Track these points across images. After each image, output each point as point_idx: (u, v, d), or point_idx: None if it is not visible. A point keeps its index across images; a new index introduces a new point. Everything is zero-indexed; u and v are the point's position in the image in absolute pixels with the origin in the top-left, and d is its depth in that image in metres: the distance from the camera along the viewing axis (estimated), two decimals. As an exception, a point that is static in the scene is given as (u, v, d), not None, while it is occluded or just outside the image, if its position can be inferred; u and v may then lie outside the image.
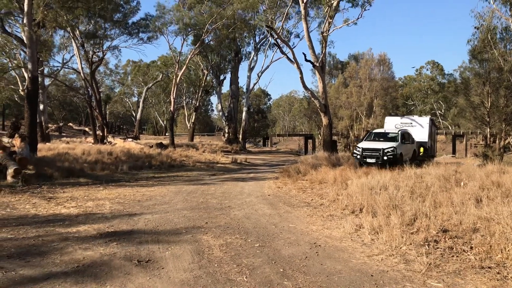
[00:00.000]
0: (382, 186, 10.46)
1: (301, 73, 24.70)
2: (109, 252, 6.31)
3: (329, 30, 25.69)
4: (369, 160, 17.43)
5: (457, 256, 5.84)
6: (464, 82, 46.52)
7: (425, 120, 23.63)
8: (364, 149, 17.89)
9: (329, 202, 10.26)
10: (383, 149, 17.32)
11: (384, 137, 19.20)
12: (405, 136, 19.41)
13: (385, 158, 17.04)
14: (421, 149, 21.62)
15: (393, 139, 18.58)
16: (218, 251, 6.35)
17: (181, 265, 5.71)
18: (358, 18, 26.38)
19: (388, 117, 25.92)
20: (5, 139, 18.16)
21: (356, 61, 71.40)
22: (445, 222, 7.08)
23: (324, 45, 25.26)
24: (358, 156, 17.92)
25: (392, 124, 23.22)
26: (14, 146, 16.92)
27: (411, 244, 6.32)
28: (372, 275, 5.30)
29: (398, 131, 19.38)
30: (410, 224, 7.16)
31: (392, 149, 17.27)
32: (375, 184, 10.62)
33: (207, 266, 5.65)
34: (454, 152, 57.72)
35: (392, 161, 17.04)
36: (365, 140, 19.43)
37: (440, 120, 75.58)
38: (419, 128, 22.80)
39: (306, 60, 24.08)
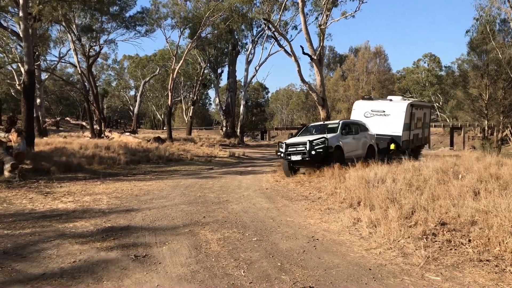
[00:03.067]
0: (379, 179, 10.43)
1: (298, 66, 24.61)
2: (106, 247, 6.28)
3: (326, 23, 25.59)
4: (293, 158, 13.93)
5: (455, 249, 5.82)
6: (462, 75, 46.54)
7: (400, 107, 18.91)
8: (288, 145, 14.28)
9: (327, 196, 10.24)
10: (310, 142, 13.61)
11: (323, 130, 15.49)
12: (350, 127, 15.75)
13: (313, 153, 13.46)
14: (392, 146, 17.78)
15: (332, 130, 15.04)
16: (215, 246, 6.32)
17: (178, 260, 5.69)
18: (355, 11, 26.31)
19: (358, 101, 21.01)
20: (2, 134, 18.11)
21: (355, 55, 71.35)
22: (443, 215, 7.06)
23: (321, 38, 25.16)
24: (282, 154, 14.41)
25: (361, 112, 19.43)
26: (11, 141, 16.87)
27: (409, 237, 6.30)
28: (370, 269, 5.28)
29: (339, 121, 15.81)
30: (408, 217, 7.14)
31: (322, 140, 13.58)
32: (372, 177, 10.60)
33: (205, 261, 5.62)
34: (452, 144, 57.77)
35: (324, 158, 13.58)
36: (297, 136, 15.93)
37: (438, 113, 75.63)
38: (392, 118, 18.67)
39: (303, 53, 23.99)
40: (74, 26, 31.51)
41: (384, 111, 18.94)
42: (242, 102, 44.33)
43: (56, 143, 21.92)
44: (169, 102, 37.42)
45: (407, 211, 7.35)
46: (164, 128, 52.99)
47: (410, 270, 5.23)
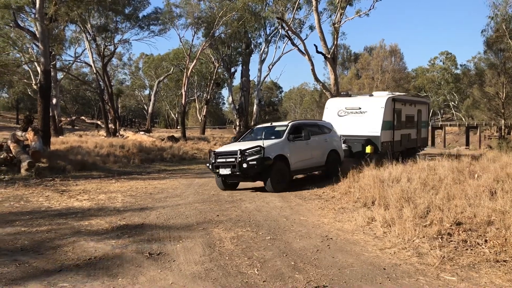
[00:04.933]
0: (394, 178, 10.35)
1: (312, 65, 24.54)
2: (120, 244, 6.34)
3: (340, 21, 25.45)
4: (222, 171, 11.30)
5: (471, 250, 5.75)
6: (479, 73, 45.92)
7: (378, 103, 16.01)
8: (217, 154, 11.73)
9: (340, 195, 10.20)
10: (242, 152, 11.09)
11: (269, 133, 12.82)
12: (303, 130, 12.45)
13: (245, 166, 10.86)
14: (368, 148, 15.04)
15: (279, 135, 12.34)
16: (229, 244, 6.34)
17: (192, 257, 5.72)
18: (370, 9, 26.10)
19: (332, 99, 18.74)
20: (19, 133, 18.37)
21: (370, 53, 70.87)
22: (458, 215, 6.97)
23: (335, 36, 25.03)
24: (210, 166, 11.88)
25: (334, 111, 16.98)
26: (28, 140, 17.11)
27: (424, 237, 6.24)
28: (384, 269, 5.25)
29: (289, 122, 12.79)
30: (423, 217, 7.07)
31: (256, 149, 10.97)
32: (387, 177, 10.52)
33: (218, 259, 5.64)
34: (467, 144, 57.05)
35: (259, 172, 11.08)
36: (238, 141, 13.36)
37: (454, 112, 74.74)
38: (369, 116, 15.92)
39: (317, 51, 23.91)
40: (89, 26, 31.84)
41: (359, 108, 16.35)
42: (255, 101, 44.32)
43: (72, 142, 22.19)
44: (183, 102, 37.60)
45: (422, 211, 7.28)
46: (178, 127, 53.22)
47: (425, 270, 5.18)
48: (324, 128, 13.87)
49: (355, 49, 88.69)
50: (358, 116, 16.25)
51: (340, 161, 13.80)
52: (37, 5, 18.18)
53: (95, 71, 33.95)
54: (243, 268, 5.31)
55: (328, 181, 12.14)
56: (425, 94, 74.87)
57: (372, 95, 18.07)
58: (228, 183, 12.07)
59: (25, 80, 36.76)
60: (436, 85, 75.89)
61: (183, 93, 37.13)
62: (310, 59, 24.60)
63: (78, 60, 39.96)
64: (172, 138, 30.37)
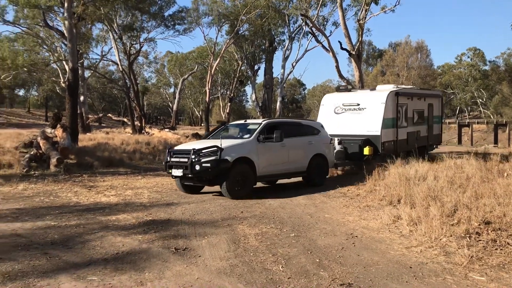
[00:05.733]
0: (420, 176, 10.20)
1: (336, 61, 24.36)
2: (147, 239, 6.45)
3: (365, 18, 25.16)
4: (175, 172, 10.12)
5: (501, 249, 5.63)
6: (508, 69, 44.71)
7: (378, 98, 14.39)
8: (173, 153, 10.67)
9: (365, 193, 10.11)
10: (196, 151, 9.88)
11: (242, 131, 11.50)
12: (278, 130, 10.76)
13: (198, 168, 9.63)
14: (367, 150, 13.40)
15: (250, 134, 10.90)
16: (253, 240, 6.37)
17: (217, 253, 5.77)
18: (395, 5, 25.66)
19: (328, 95, 16.99)
20: (48, 130, 18.83)
21: (395, 50, 69.82)
22: (487, 214, 6.83)
23: (360, 33, 24.76)
24: (164, 166, 10.88)
25: (330, 108, 15.38)
26: (57, 137, 17.51)
27: (451, 236, 6.14)
28: (410, 267, 5.19)
29: (263, 121, 11.52)
30: (450, 216, 6.95)
31: (212, 150, 9.74)
32: (413, 175, 10.38)
33: (243, 255, 5.68)
34: (496, 142, 55.69)
35: (215, 175, 9.82)
36: (207, 138, 12.26)
37: (481, 109, 73.04)
38: (368, 113, 14.30)
39: (342, 48, 23.72)
40: (115, 25, 32.31)
41: (358, 104, 14.64)
42: (279, 99, 44.23)
43: (99, 139, 22.61)
44: (207, 99, 37.84)
45: (449, 209, 7.16)
46: (202, 124, 53.65)
47: (452, 269, 5.10)
48: (310, 129, 12.26)
49: (380, 46, 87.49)
50: (356, 113, 14.59)
51: (327, 167, 12.33)
52: (66, 5, 18.56)
53: (121, 69, 34.47)
54: (268, 264, 5.33)
55: (354, 179, 12.04)
56: (452, 91, 73.41)
57: (374, 89, 16.40)
58: (190, 186, 10.70)
59: (53, 79, 37.64)
60: (463, 82, 74.25)
61: (207, 90, 37.38)
62: (334, 56, 24.44)
63: (105, 59, 40.60)
64: (196, 135, 30.60)
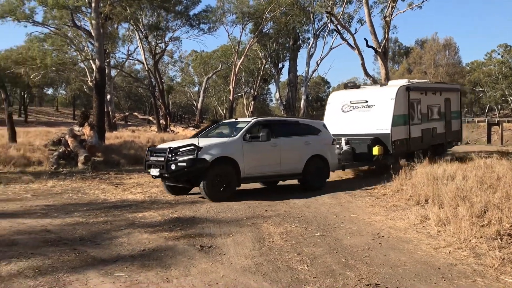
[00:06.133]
0: (448, 176, 10.00)
1: (362, 59, 24.10)
2: (173, 237, 6.50)
3: (392, 15, 24.79)
4: (153, 172, 9.76)
5: (533, 252, 5.47)
6: (540, 66, 43.43)
7: (388, 93, 13.60)
8: (152, 152, 10.22)
9: (392, 192, 9.96)
10: (173, 150, 9.47)
11: (232, 130, 10.93)
12: (268, 129, 10.27)
13: (173, 167, 9.21)
14: (376, 149, 12.59)
15: (237, 133, 10.31)
16: (278, 239, 6.35)
17: (242, 251, 5.78)
18: (422, 2, 25.24)
19: (335, 92, 16.54)
20: (76, 128, 19.21)
21: (422, 47, 68.62)
22: (519, 215, 6.64)
23: (386, 30, 24.41)
24: (144, 165, 10.45)
25: (338, 106, 14.55)
26: (84, 135, 17.86)
27: (481, 237, 5.98)
28: (439, 268, 5.08)
29: (253, 119, 10.95)
30: (480, 216, 6.78)
31: (190, 149, 9.31)
32: (441, 174, 10.18)
33: (268, 254, 5.66)
34: (527, 140, 54.16)
35: (192, 175, 9.39)
36: (198, 136, 10.59)
37: (513, 107, 71.10)
38: (377, 110, 13.47)
39: (367, 46, 23.43)
40: (141, 24, 32.74)
41: (366, 101, 13.77)
42: (303, 97, 44.05)
43: (125, 137, 22.97)
44: (231, 98, 37.99)
45: (479, 210, 6.98)
46: (226, 123, 53.71)
47: (483, 271, 4.97)
48: (309, 128, 11.52)
49: (406, 43, 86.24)
50: (364, 111, 13.73)
51: (327, 169, 11.47)
52: (93, 5, 18.91)
53: (147, 69, 34.94)
54: (293, 263, 5.31)
55: (380, 178, 11.86)
56: (481, 89, 71.74)
57: (384, 85, 15.67)
58: (177, 187, 10.27)
59: (81, 78, 38.38)
60: (493, 80, 72.44)
61: (231, 89, 37.52)
62: (360, 54, 24.18)
63: (131, 58, 41.20)
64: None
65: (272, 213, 8.18)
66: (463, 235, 6.06)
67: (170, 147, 9.61)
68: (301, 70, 44.74)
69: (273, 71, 47.14)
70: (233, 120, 12.27)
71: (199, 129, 13.55)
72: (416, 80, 16.98)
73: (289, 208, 8.68)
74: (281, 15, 34.54)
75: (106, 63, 26.24)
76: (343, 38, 27.06)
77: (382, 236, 6.49)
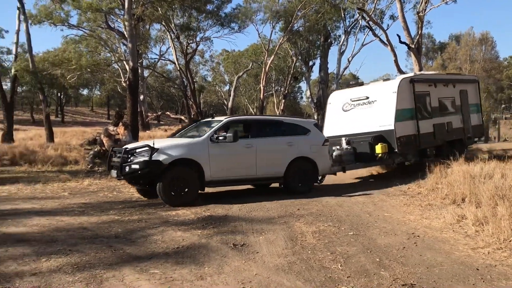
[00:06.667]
0: (486, 174, 9.70)
1: (395, 56, 23.64)
2: (206, 235, 6.56)
3: (425, 10, 24.21)
4: (113, 173, 9.55)
5: None
6: None
7: (389, 88, 12.74)
8: (116, 152, 9.71)
9: (427, 191, 9.75)
10: (128, 152, 9.13)
11: (204, 129, 10.33)
12: (243, 128, 10.44)
13: (127, 169, 8.83)
14: (379, 148, 11.72)
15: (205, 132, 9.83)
16: (311, 238, 6.32)
17: (275, 250, 5.77)
18: (458, -5, 24.52)
19: (335, 92, 15.87)
20: (111, 128, 19.62)
21: (457, 42, 66.82)
22: (562, 214, 6.38)
23: (420, 25, 23.88)
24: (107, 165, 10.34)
25: (338, 105, 13.84)
26: (119, 134, 18.22)
27: (522, 237, 5.78)
28: (477, 269, 4.94)
29: (225, 118, 10.39)
30: (520, 216, 6.56)
31: (145, 150, 8.89)
32: (478, 172, 9.89)
33: (301, 253, 5.64)
34: None
35: (147, 178, 9.01)
36: (178, 136, 11.17)
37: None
38: (379, 105, 12.61)
39: (400, 42, 22.97)
40: (173, 25, 33.14)
41: (367, 98, 12.90)
42: (334, 95, 43.65)
43: (158, 136, 23.34)
44: (261, 96, 38.02)
45: (520, 209, 6.75)
46: (257, 121, 53.74)
47: (525, 273, 4.81)
48: (295, 128, 10.71)
49: (440, 38, 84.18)
50: (365, 108, 12.89)
51: (315, 172, 10.64)
52: (126, 6, 19.27)
53: (178, 68, 35.35)
54: (326, 262, 5.27)
55: (414, 176, 11.61)
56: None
57: (387, 80, 14.81)
58: (147, 191, 9.73)
59: (115, 78, 39.19)
60: (533, 74, 69.89)
61: (262, 87, 37.54)
62: (392, 50, 23.73)
63: (163, 58, 41.82)
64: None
65: (304, 212, 8.14)
66: (503, 235, 5.87)
67: (125, 148, 9.29)
68: (332, 67, 44.42)
69: (304, 69, 46.91)
70: (209, 119, 11.21)
71: (178, 129, 12.91)
72: (422, 72, 16.00)
73: (322, 207, 8.62)
74: (311, 12, 34.30)
75: (139, 64, 26.71)
76: (375, 35, 26.61)
77: (417, 236, 6.36)
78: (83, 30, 27.23)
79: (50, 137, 25.00)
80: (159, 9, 26.35)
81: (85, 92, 76.64)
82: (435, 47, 75.10)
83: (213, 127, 9.80)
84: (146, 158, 8.66)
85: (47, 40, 79.64)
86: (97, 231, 6.85)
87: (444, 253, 5.56)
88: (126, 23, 19.72)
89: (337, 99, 14.13)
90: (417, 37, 23.26)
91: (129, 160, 8.90)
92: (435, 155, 13.30)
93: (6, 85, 36.14)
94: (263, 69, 37.45)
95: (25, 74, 24.40)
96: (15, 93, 29.54)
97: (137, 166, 8.72)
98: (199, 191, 9.34)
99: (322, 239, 6.26)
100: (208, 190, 9.84)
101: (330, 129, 13.52)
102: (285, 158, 10.15)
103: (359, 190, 10.58)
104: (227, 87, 76.48)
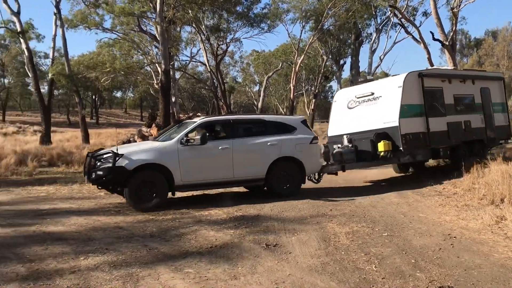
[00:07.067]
0: (526, 174, 9.39)
1: (428, 53, 23.15)
2: (238, 234, 6.60)
3: (459, 6, 23.60)
4: (86, 179, 9.21)
5: None
6: None
7: (394, 82, 11.98)
8: (91, 157, 9.17)
9: (463, 191, 9.49)
10: (94, 157, 8.98)
11: (180, 131, 9.72)
12: (219, 129, 10.02)
13: (93, 176, 8.69)
14: (381, 145, 10.95)
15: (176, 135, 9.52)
16: (344, 239, 6.26)
17: (307, 250, 5.75)
18: (494, -11, 23.78)
19: (342, 89, 15.42)
20: (144, 129, 20.03)
21: (494, 38, 64.87)
22: None
23: (454, 22, 23.29)
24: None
25: (344, 103, 13.06)
26: (152, 135, 18.57)
27: None
28: (518, 272, 4.79)
29: (199, 120, 10.03)
30: None
31: (109, 156, 8.66)
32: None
33: (334, 253, 5.60)
34: None
35: (113, 184, 8.86)
36: (157, 139, 10.37)
37: None
38: (383, 101, 11.85)
39: (434, 39, 22.45)
40: (203, 27, 33.48)
41: (372, 94, 12.17)
42: (366, 93, 43.10)
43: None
44: (291, 96, 37.92)
45: None
46: (287, 121, 53.58)
47: None
48: (279, 127, 10.16)
49: (475, 34, 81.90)
50: (370, 104, 12.17)
51: (301, 173, 10.08)
52: (157, 9, 19.61)
53: (209, 70, 35.69)
54: (360, 263, 5.21)
55: (449, 176, 11.34)
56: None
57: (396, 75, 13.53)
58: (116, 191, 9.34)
59: (147, 80, 39.89)
60: None
61: (292, 87, 37.44)
62: (426, 47, 23.25)
63: (194, 60, 42.22)
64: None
65: (337, 213, 8.07)
66: (545, 237, 5.68)
67: (93, 153, 9.19)
68: (363, 65, 43.82)
69: (334, 68, 46.54)
70: (189, 120, 10.82)
71: (161, 131, 12.31)
72: (435, 67, 14.73)
73: (355, 208, 8.53)
74: (342, 11, 33.98)
75: (170, 66, 27.11)
76: (407, 32, 26.17)
77: (454, 237, 6.21)
78: (117, 33, 27.89)
79: (86, 138, 25.70)
80: (190, 11, 26.66)
81: (118, 94, 78.42)
82: (470, 44, 73.19)
83: (185, 129, 9.49)
84: (110, 165, 8.47)
85: (82, 43, 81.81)
86: (133, 230, 7.00)
87: (483, 255, 5.41)
88: (158, 26, 20.09)
89: (342, 96, 13.51)
90: (451, 33, 22.71)
91: (96, 166, 8.76)
92: (450, 156, 12.63)
93: (44, 89, 37.42)
94: (293, 68, 37.34)
95: (62, 78, 25.17)
96: (52, 96, 30.42)
97: (101, 173, 8.58)
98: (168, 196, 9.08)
99: (356, 240, 6.19)
100: (238, 190, 9.87)
101: (334, 127, 13.04)
102: (266, 159, 9.67)
103: (392, 190, 10.41)
104: (257, 88, 76.63)
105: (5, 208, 9.19)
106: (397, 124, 11.18)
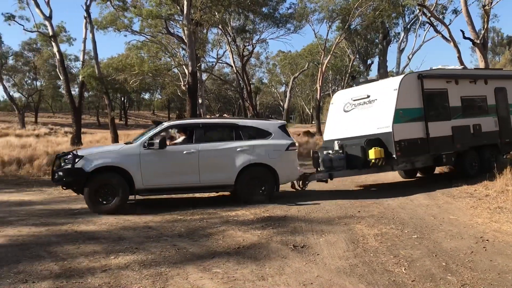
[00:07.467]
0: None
1: (458, 52, 22.66)
2: (266, 235, 6.61)
3: (491, 3, 23.03)
4: (56, 177, 9.03)
5: None
6: None
7: (390, 85, 11.12)
8: (61, 158, 9.23)
9: (496, 193, 9.24)
10: (58, 158, 9.13)
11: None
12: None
13: (56, 176, 8.80)
14: (372, 152, 10.17)
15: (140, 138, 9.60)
16: (373, 241, 6.19)
17: (336, 252, 5.72)
18: (528, -15, 23.11)
19: (339, 91, 14.84)
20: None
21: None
22: None
23: (486, 19, 22.72)
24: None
25: (340, 106, 12.30)
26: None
27: None
28: (555, 277, 4.65)
29: (164, 123, 9.94)
30: None
31: (70, 158, 8.68)
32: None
33: (363, 255, 5.55)
34: None
35: (74, 185, 8.80)
36: (132, 140, 10.09)
37: None
38: (378, 105, 11.07)
39: (464, 37, 21.96)
40: (229, 28, 33.70)
41: (368, 96, 11.37)
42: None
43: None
44: (318, 97, 37.73)
45: None
46: (313, 122, 53.53)
47: None
48: (253, 132, 9.75)
49: (508, 32, 79.66)
50: (365, 108, 11.38)
51: (274, 180, 9.57)
52: (185, 12, 19.87)
53: (235, 71, 35.92)
54: (389, 266, 5.15)
55: (480, 177, 11.04)
56: None
57: (395, 76, 12.49)
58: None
59: (175, 82, 40.37)
60: None
61: (318, 88, 37.27)
62: (456, 46, 22.77)
63: (220, 61, 42.55)
64: (307, 133, 30.70)
65: (365, 214, 7.99)
66: None
67: (57, 154, 9.09)
68: (391, 65, 43.24)
69: (362, 67, 46.09)
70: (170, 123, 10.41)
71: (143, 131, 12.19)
72: (440, 66, 13.53)
73: (383, 209, 8.42)
74: (369, 10, 33.63)
75: (197, 68, 27.38)
76: (436, 31, 25.68)
77: (487, 240, 6.06)
78: (145, 35, 28.34)
79: (115, 139, 26.17)
80: (216, 13, 26.88)
81: (146, 96, 79.61)
82: (503, 42, 71.32)
83: (150, 132, 9.38)
84: (69, 166, 8.48)
85: (111, 46, 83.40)
86: (161, 230, 7.10)
87: (517, 259, 5.27)
88: (185, 28, 20.32)
89: (339, 99, 12.70)
90: (483, 31, 22.16)
91: (60, 167, 8.81)
92: (455, 163, 11.73)
93: (74, 91, 38.38)
94: (320, 69, 37.17)
95: (92, 80, 25.72)
96: (83, 98, 31.18)
97: (61, 174, 8.62)
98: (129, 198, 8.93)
99: (385, 242, 6.12)
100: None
101: (329, 132, 12.37)
102: (235, 164, 9.30)
103: (420, 191, 10.21)
104: (283, 88, 76.59)
105: (38, 207, 9.47)
106: (391, 130, 10.43)
